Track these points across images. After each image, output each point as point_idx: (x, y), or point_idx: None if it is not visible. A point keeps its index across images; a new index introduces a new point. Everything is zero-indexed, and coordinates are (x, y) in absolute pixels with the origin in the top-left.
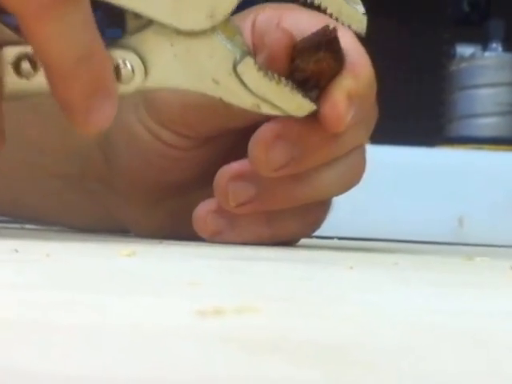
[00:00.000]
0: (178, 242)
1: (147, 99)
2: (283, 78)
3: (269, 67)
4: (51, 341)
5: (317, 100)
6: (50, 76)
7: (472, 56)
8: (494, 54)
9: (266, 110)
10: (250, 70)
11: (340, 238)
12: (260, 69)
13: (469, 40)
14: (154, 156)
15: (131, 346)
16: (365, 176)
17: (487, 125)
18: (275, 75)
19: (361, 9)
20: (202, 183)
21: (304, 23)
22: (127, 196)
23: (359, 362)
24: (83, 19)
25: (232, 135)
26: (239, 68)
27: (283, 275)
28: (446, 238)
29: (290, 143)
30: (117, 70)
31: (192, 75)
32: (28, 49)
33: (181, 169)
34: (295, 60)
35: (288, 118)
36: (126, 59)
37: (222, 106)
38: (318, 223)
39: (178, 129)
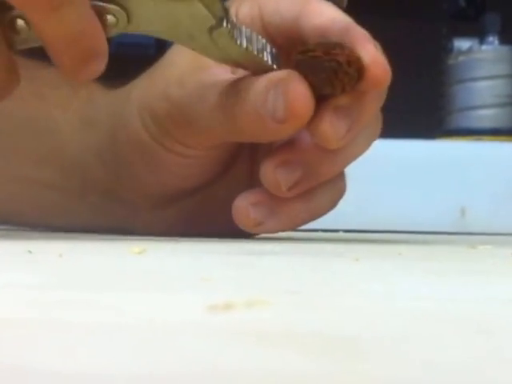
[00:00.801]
0: (187, 239)
1: (152, 109)
2: (252, 46)
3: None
4: (66, 340)
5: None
6: (43, 42)
7: (469, 50)
8: (491, 47)
9: (233, 66)
10: (224, 37)
11: (345, 231)
12: (233, 37)
13: (466, 34)
14: (162, 164)
15: (144, 342)
16: (368, 170)
17: (486, 116)
18: (247, 44)
19: None
20: (212, 182)
21: (284, 9)
22: (135, 204)
23: (368, 352)
24: (79, 11)
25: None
26: (215, 34)
27: (291, 268)
28: (448, 228)
29: (346, 110)
30: (101, 18)
31: (169, 26)
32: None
33: (190, 174)
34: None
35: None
36: (109, 9)
37: (220, 123)
38: (342, 193)
39: (183, 140)
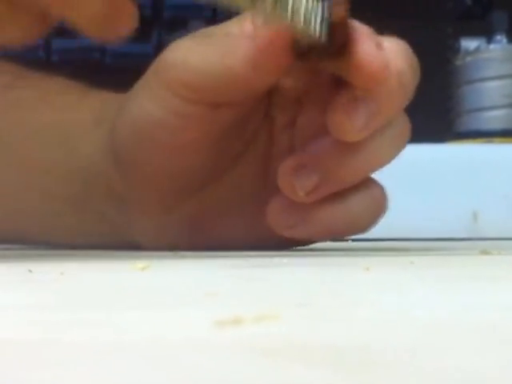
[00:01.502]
0: (191, 253)
1: (158, 66)
2: (298, 16)
3: None
4: (68, 361)
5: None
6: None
7: (477, 49)
8: (499, 46)
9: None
10: (267, 7)
11: (354, 240)
12: (276, 9)
13: (473, 33)
14: (164, 134)
15: (150, 360)
16: (376, 175)
17: (496, 117)
18: (291, 15)
19: None
20: (218, 179)
21: None
22: (140, 208)
23: (380, 364)
24: None
25: (241, 109)
26: (258, 3)
27: (300, 280)
28: (460, 233)
29: (363, 102)
30: None
31: None
32: None
33: (198, 160)
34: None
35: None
36: None
37: (224, 75)
38: (381, 205)
39: (184, 93)
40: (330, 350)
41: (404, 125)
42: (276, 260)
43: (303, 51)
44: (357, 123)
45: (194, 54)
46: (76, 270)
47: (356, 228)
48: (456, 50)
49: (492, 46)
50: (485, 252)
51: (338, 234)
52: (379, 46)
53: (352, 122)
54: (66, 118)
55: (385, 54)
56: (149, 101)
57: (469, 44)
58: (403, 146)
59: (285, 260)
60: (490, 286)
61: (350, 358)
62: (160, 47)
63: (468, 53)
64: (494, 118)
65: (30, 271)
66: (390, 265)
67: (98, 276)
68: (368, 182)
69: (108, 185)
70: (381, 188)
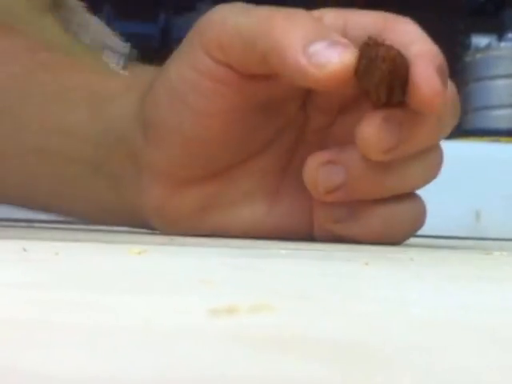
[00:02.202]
0: (189, 240)
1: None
2: None
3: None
4: (60, 341)
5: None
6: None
7: (488, 46)
8: (510, 44)
9: None
10: None
11: None
12: None
13: (484, 30)
14: (196, 98)
15: (142, 346)
16: None
17: (504, 116)
18: None
19: None
20: (238, 165)
21: (369, 23)
22: (156, 177)
23: (376, 360)
24: None
25: (275, 91)
26: None
27: (298, 272)
28: (463, 232)
29: (397, 125)
30: None
31: None
32: None
33: (225, 121)
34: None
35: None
36: None
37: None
38: (420, 217)
39: (216, 54)
40: (325, 343)
41: (438, 158)
42: (274, 251)
43: (362, 74)
44: (383, 144)
45: (234, 16)
46: (71, 250)
47: (393, 236)
48: (466, 47)
49: (503, 44)
50: (486, 252)
51: (378, 238)
52: (442, 71)
53: (379, 141)
54: (95, 81)
55: (446, 85)
56: (185, 62)
57: (480, 41)
58: (433, 178)
59: (283, 251)
60: (489, 286)
61: (346, 352)
62: (167, 29)
63: (478, 50)
64: (501, 117)
65: (25, 250)
66: (390, 261)
67: (92, 258)
68: (412, 195)
69: (129, 149)
70: (423, 204)
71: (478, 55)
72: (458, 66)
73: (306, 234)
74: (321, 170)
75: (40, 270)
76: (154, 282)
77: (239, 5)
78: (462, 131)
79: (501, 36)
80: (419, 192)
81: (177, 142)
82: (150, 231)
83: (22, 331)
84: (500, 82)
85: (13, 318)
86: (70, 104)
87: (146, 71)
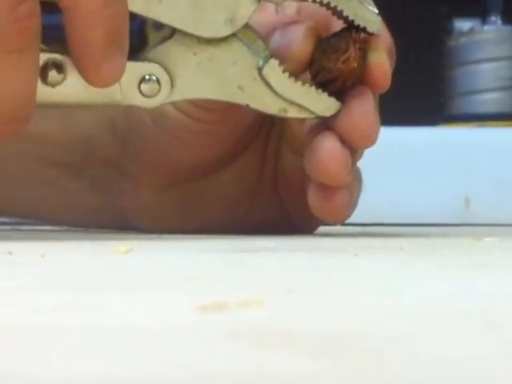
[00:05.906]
0: (176, 236)
1: None
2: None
3: (290, 69)
4: (49, 344)
5: (341, 98)
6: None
7: (471, 30)
8: (494, 27)
9: (292, 113)
10: (275, 72)
11: (343, 225)
12: (285, 70)
13: (467, 14)
14: (178, 130)
15: (133, 345)
16: (365, 159)
17: (489, 101)
18: (300, 77)
19: (374, 9)
20: (219, 168)
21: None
22: (139, 179)
23: (369, 351)
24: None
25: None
26: (265, 71)
27: (286, 266)
28: (452, 219)
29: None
30: (143, 82)
31: (216, 83)
32: (56, 56)
33: (202, 145)
34: (319, 61)
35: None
36: (151, 73)
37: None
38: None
39: (199, 101)
40: (315, 337)
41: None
42: (262, 244)
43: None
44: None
45: None
46: (57, 252)
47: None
48: (449, 31)
49: (486, 27)
50: (477, 238)
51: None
52: (391, 57)
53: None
54: None
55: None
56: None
57: (463, 25)
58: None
59: (271, 245)
60: (480, 273)
61: (337, 346)
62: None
63: (462, 34)
64: (487, 101)
65: (10, 253)
66: (379, 251)
67: (79, 259)
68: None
69: (106, 155)
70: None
71: (462, 39)
72: (441, 51)
73: (287, 225)
74: (342, 150)
75: (26, 274)
76: (142, 281)
77: None
78: (448, 117)
79: (484, 19)
80: (408, 180)
81: (152, 158)
82: (135, 230)
83: (9, 335)
84: (485, 66)
85: (0, 322)
86: (43, 110)
87: None
